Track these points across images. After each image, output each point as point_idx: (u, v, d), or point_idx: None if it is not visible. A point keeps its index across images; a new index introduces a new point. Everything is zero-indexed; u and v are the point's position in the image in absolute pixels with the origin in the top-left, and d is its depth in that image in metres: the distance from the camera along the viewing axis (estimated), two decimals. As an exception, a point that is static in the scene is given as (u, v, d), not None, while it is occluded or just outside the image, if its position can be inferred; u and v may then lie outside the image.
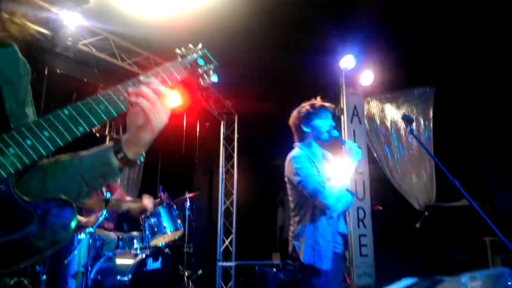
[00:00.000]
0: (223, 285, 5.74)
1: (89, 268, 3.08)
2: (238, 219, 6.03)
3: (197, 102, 5.80)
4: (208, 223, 6.39)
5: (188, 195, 4.16)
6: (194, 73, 0.99)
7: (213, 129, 6.34)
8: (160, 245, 3.61)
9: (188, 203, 4.18)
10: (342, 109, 4.84)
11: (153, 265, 3.22)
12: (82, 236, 3.28)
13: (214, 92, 5.90)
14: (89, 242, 3.22)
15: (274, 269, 4.64)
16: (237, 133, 6.26)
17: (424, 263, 4.82)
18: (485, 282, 1.05)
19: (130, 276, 2.96)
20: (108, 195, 3.38)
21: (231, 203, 6.10)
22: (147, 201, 3.68)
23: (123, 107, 0.82)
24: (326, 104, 2.29)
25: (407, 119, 2.21)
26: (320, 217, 2.13)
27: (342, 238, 2.22)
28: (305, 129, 2.26)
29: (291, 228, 2.23)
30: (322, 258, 2.08)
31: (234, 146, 6.25)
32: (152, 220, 3.50)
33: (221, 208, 6.06)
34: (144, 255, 3.17)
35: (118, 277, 2.98)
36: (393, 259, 5.12)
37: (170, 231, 3.52)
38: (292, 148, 2.34)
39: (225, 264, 5.79)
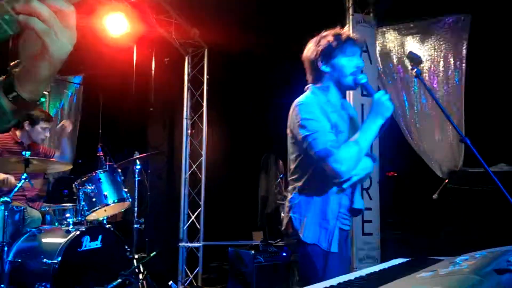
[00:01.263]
0: (187, 270, 5.98)
1: (5, 248, 3.18)
2: (208, 188, 6.15)
3: (152, 30, 5.72)
4: (168, 193, 6.52)
5: (138, 155, 4.22)
6: None
7: (174, 68, 6.30)
8: (101, 220, 3.73)
9: (138, 167, 4.25)
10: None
11: (91, 244, 3.34)
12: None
13: (175, 17, 5.81)
14: (4, 215, 3.29)
15: (253, 251, 4.84)
16: (208, 73, 6.24)
17: (444, 245, 5.08)
18: (481, 261, 1.17)
19: (59, 258, 3.07)
20: (28, 154, 3.41)
21: (199, 167, 6.20)
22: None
23: (8, 30, 0.79)
24: (355, 36, 2.29)
25: (413, 58, 2.24)
26: (331, 186, 2.18)
27: (352, 214, 2.30)
28: (324, 68, 2.26)
29: (289, 196, 2.29)
30: (330, 238, 2.15)
31: (203, 91, 6.25)
32: (89, 187, 3.58)
33: (185, 174, 6.17)
34: (78, 232, 3.28)
35: (45, 259, 3.09)
36: (405, 240, 5.38)
37: (113, 201, 3.62)
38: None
39: (190, 245, 5.99)
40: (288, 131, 2.30)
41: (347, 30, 2.31)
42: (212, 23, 5.76)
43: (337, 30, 2.30)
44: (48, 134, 4.07)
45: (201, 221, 6.07)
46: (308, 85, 2.35)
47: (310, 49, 2.31)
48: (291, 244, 2.31)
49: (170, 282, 4.31)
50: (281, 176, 5.99)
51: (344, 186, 2.18)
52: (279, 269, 4.71)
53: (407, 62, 5.47)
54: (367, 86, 2.23)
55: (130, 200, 3.87)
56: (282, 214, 6.38)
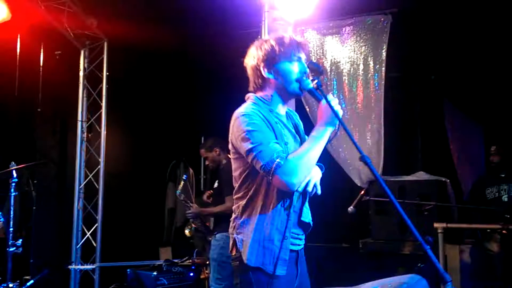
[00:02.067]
0: (81, 296, 5.64)
1: None
2: (107, 200, 5.87)
3: (40, 17, 5.33)
4: (59, 207, 6.15)
5: (14, 166, 3.87)
6: None
7: (67, 62, 6.00)
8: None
9: (14, 179, 3.89)
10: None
11: None
12: None
13: (69, 4, 5.45)
14: None
15: (155, 273, 4.65)
16: (107, 69, 5.95)
17: (363, 256, 5.16)
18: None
19: None
20: None
21: (96, 177, 5.89)
22: None
23: None
24: (300, 39, 2.27)
25: (313, 69, 2.22)
26: (277, 202, 2.16)
27: (303, 229, 2.28)
28: (267, 74, 2.26)
29: (233, 215, 2.28)
30: (275, 260, 2.14)
31: (102, 89, 5.95)
32: None
33: (79, 184, 5.82)
34: None
35: None
36: (320, 253, 5.41)
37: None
38: (243, 100, 2.30)
39: (83, 267, 5.67)
40: (230, 146, 2.27)
41: (290, 34, 2.28)
42: (113, 12, 5.48)
43: (279, 34, 2.30)
44: None
45: (97, 238, 5.74)
46: (249, 94, 2.33)
47: (252, 55, 2.31)
48: (235, 269, 2.22)
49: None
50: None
51: (306, 195, 2.22)
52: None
53: (345, 63, 5.47)
54: (314, 91, 2.19)
55: (2, 220, 3.50)
56: (186, 231, 6.25)
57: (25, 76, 5.61)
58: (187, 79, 6.22)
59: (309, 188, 2.18)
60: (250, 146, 2.10)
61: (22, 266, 5.33)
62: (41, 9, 5.29)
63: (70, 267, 5.59)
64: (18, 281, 4.04)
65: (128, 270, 4.91)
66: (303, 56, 2.26)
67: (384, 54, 5.29)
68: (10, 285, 3.81)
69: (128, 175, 6.29)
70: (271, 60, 2.24)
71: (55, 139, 6.27)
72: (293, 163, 2.06)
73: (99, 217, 5.79)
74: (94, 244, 5.75)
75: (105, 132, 5.92)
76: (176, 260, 4.94)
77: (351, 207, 3.97)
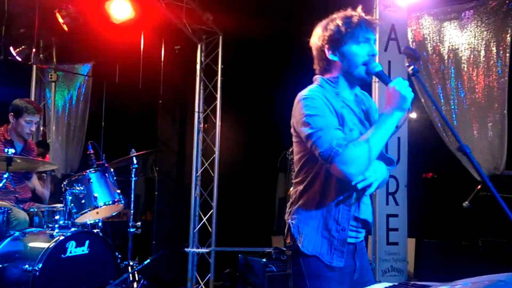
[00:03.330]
0: (198, 277, 5.97)
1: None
2: (222, 188, 6.10)
3: (161, 15, 5.69)
4: (178, 193, 6.51)
5: (134, 153, 4.21)
6: None
7: (185, 56, 6.26)
8: (93, 223, 3.74)
9: (134, 165, 4.24)
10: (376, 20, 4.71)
11: (76, 250, 3.34)
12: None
13: (187, 1, 5.77)
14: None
15: (264, 259, 4.78)
16: (222, 62, 6.17)
17: (483, 256, 4.89)
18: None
19: (40, 265, 3.09)
20: (10, 151, 3.44)
21: (212, 165, 6.15)
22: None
23: None
24: (369, 18, 2.16)
25: (409, 54, 2.07)
26: (336, 191, 2.09)
27: (361, 225, 2.20)
28: (332, 56, 2.16)
29: (290, 200, 2.23)
30: (334, 250, 2.09)
31: (217, 81, 6.20)
32: (78, 188, 3.58)
33: (196, 172, 6.15)
34: (62, 237, 3.28)
35: (26, 265, 3.11)
36: (437, 250, 5.21)
37: (104, 204, 3.62)
38: (311, 82, 2.25)
39: (200, 250, 5.97)
40: (292, 129, 2.20)
41: (359, 12, 2.17)
42: (228, 7, 5.70)
43: (347, 12, 2.17)
44: (33, 128, 4.08)
45: (213, 224, 6.04)
46: (316, 76, 2.24)
47: (317, 35, 2.21)
48: (288, 255, 2.21)
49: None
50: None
51: (365, 192, 2.10)
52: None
53: (444, 51, 5.27)
54: (382, 75, 2.10)
55: (123, 202, 3.86)
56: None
57: (147, 70, 6.00)
58: (297, 69, 6.25)
59: (372, 190, 2.08)
60: (310, 131, 2.02)
61: (144, 247, 5.80)
62: (162, 7, 5.65)
63: (187, 249, 5.90)
64: (137, 260, 4.38)
65: (239, 255, 5.10)
66: (372, 37, 2.15)
67: (509, 39, 4.95)
68: (131, 263, 4.15)
69: (241, 164, 6.48)
70: (336, 41, 2.13)
71: (174, 129, 6.62)
72: (352, 151, 1.95)
73: (214, 203, 6.05)
74: (210, 229, 6.03)
75: (220, 123, 6.15)
76: (284, 248, 5.03)
77: (466, 202, 3.82)
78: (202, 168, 6.18)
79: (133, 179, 4.24)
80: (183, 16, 5.86)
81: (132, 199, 4.18)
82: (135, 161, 4.23)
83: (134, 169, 4.25)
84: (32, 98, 6.54)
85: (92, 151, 3.79)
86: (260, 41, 5.95)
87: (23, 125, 3.98)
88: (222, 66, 6.16)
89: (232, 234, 6.13)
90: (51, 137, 6.68)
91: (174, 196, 6.48)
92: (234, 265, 5.96)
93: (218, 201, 6.06)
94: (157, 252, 5.15)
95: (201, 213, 6.10)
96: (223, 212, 6.11)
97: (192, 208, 6.06)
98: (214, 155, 6.13)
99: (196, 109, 6.20)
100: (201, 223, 6.07)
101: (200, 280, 5.95)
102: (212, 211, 6.05)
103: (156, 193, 5.91)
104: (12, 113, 4.01)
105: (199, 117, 6.21)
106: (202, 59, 6.26)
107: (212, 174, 6.11)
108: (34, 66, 6.58)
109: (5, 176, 3.39)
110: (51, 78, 6.67)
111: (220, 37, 6.21)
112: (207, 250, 5.94)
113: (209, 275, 5.94)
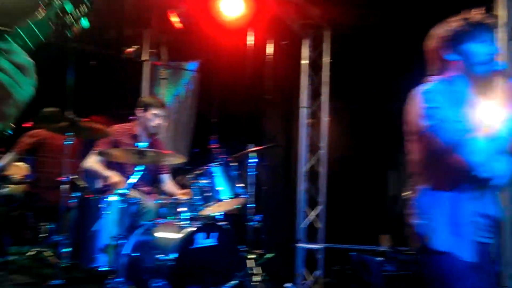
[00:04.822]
0: (305, 273, 5.97)
1: (121, 242, 3.39)
2: (329, 184, 6.09)
3: (268, 10, 5.74)
4: (284, 189, 6.56)
5: (252, 148, 4.28)
6: (64, 26, 1.24)
7: (291, 52, 6.29)
8: (217, 216, 3.83)
9: (253, 160, 4.31)
10: (496, 17, 4.45)
11: (205, 241, 3.44)
12: (112, 198, 3.60)
13: (295, -5, 5.78)
14: (121, 207, 3.53)
15: (380, 258, 4.68)
16: (329, 57, 6.15)
17: None
18: None
19: (175, 255, 3.20)
20: (144, 145, 3.59)
21: (318, 162, 6.15)
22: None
23: None
24: (489, 19, 2.20)
25: None
26: (464, 186, 2.09)
27: (489, 222, 2.15)
28: (451, 56, 2.20)
29: (411, 198, 2.24)
30: (466, 245, 2.06)
31: (323, 77, 6.17)
32: (203, 181, 3.69)
33: (302, 168, 6.15)
34: (193, 228, 3.39)
35: (160, 255, 3.24)
36: None
37: (228, 197, 3.69)
38: (424, 76, 2.30)
39: (309, 246, 5.97)
40: (408, 124, 2.24)
41: (478, 14, 2.21)
42: (335, 0, 5.64)
43: (465, 14, 2.23)
44: (160, 121, 4.26)
45: (321, 220, 6.03)
46: (429, 77, 2.28)
47: (436, 37, 2.27)
48: (414, 253, 2.21)
49: (289, 285, 4.32)
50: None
51: (491, 186, 2.09)
52: (413, 283, 4.48)
53: None
54: (503, 72, 2.13)
55: (247, 196, 3.93)
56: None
57: (255, 66, 6.07)
58: (408, 63, 6.06)
59: (499, 183, 2.09)
60: (432, 123, 2.06)
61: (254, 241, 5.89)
62: (270, 1, 5.68)
63: (298, 245, 5.92)
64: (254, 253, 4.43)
65: (352, 253, 5.03)
66: (491, 36, 2.18)
67: None
68: (251, 256, 4.20)
69: (349, 160, 6.41)
70: (455, 41, 2.18)
71: (281, 125, 6.67)
72: (476, 141, 1.99)
73: (322, 199, 6.04)
74: (316, 225, 6.02)
75: (326, 118, 6.12)
76: (400, 248, 4.90)
77: None
78: (309, 165, 6.18)
79: (252, 173, 4.32)
80: (290, 10, 5.89)
81: (253, 193, 4.25)
82: (251, 156, 4.31)
83: (252, 164, 4.32)
84: (145, 95, 6.84)
85: (215, 146, 3.88)
86: (369, 35, 5.83)
87: (150, 118, 4.19)
88: (330, 61, 6.14)
89: (341, 231, 6.07)
90: (161, 133, 6.95)
91: (281, 191, 6.52)
92: (340, 262, 5.89)
93: (327, 197, 6.06)
94: (267, 247, 5.20)
95: (308, 209, 6.12)
96: (332, 208, 6.10)
97: (298, 203, 6.09)
98: (320, 151, 6.12)
99: (303, 105, 6.22)
100: (309, 219, 6.08)
101: (307, 276, 5.95)
102: (319, 207, 6.04)
103: (264, 188, 5.96)
104: (139, 108, 4.22)
105: (305, 113, 6.22)
106: (308, 54, 6.29)
107: (318, 170, 6.10)
108: (145, 64, 6.86)
109: (139, 168, 3.56)
110: (161, 75, 6.92)
111: (327, 31, 6.20)
112: (316, 247, 5.93)
113: (317, 272, 5.92)
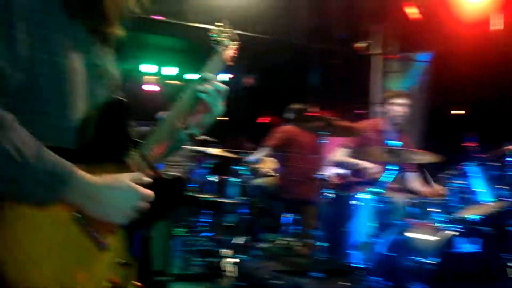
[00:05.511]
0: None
1: (377, 240, 3.40)
2: None
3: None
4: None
5: (509, 147, 3.90)
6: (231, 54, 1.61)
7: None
8: (474, 219, 3.59)
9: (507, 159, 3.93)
10: None
11: (466, 247, 3.25)
12: (364, 196, 3.64)
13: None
14: (374, 205, 3.55)
15: None
16: None
17: None
18: None
19: (437, 259, 3.09)
20: (395, 143, 3.54)
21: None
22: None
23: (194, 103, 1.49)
24: None
25: None
26: None
27: None
28: None
29: None
30: None
31: None
32: (458, 182, 3.49)
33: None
34: (454, 232, 3.23)
35: (419, 257, 3.16)
36: None
37: (487, 200, 3.43)
38: None
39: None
40: None
41: None
42: None
43: None
44: (405, 111, 4.17)
45: None
46: None
47: None
48: None
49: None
50: None
51: None
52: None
53: None
54: None
55: (509, 199, 3.59)
56: None
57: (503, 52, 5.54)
58: None
59: None
60: None
61: None
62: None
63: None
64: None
65: None
66: None
67: None
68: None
69: None
70: None
71: None
72: None
73: None
74: None
75: None
76: None
77: None
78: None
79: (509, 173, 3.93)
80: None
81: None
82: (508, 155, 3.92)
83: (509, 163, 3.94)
84: (373, 88, 6.81)
85: (471, 144, 3.63)
86: None
87: (393, 108, 4.14)
88: None
89: None
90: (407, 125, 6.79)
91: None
92: None
93: None
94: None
95: None
96: None
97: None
98: None
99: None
100: None
101: None
102: None
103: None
104: (383, 102, 4.20)
105: None
106: None
107: None
108: (374, 58, 6.81)
109: (391, 168, 3.53)
110: (391, 68, 6.81)
111: None
112: None
113: None
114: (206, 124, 1.54)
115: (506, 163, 4.06)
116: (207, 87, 1.48)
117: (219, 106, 1.51)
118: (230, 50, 1.61)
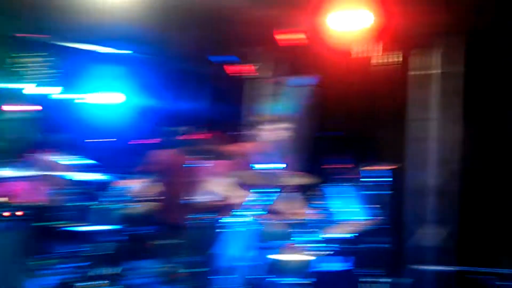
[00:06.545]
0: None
1: (246, 263, 3.45)
2: (461, 201, 5.75)
3: (393, 21, 5.51)
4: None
5: (373, 166, 4.14)
6: None
7: (414, 63, 6.11)
8: (340, 238, 3.74)
9: (377, 179, 4.17)
10: None
11: (334, 266, 3.38)
12: (232, 219, 3.70)
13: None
14: (242, 228, 3.61)
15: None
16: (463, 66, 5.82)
17: None
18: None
19: (310, 279, 3.17)
20: (270, 167, 3.61)
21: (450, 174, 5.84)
22: None
23: None
24: None
25: None
26: None
27: None
28: None
29: None
30: None
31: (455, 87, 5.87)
32: (322, 202, 3.65)
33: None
34: (322, 252, 3.35)
35: (291, 278, 3.23)
36: None
37: (350, 219, 3.61)
38: None
39: (439, 268, 5.63)
40: None
41: None
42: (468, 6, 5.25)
43: None
44: (281, 134, 4.32)
45: (451, 240, 5.69)
46: None
47: None
48: None
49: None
50: None
51: None
52: None
53: None
54: None
55: (371, 217, 3.79)
56: None
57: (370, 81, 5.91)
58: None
59: None
60: None
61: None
62: (395, 11, 5.43)
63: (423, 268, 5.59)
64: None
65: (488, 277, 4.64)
66: None
67: None
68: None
69: (482, 174, 5.88)
70: None
71: (394, 140, 6.32)
72: None
73: (450, 217, 5.76)
74: (446, 246, 5.69)
75: (461, 129, 5.81)
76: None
77: None
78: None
79: (376, 192, 4.18)
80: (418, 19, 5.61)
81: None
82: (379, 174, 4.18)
83: (379, 182, 4.19)
84: (248, 112, 6.91)
85: (335, 165, 3.80)
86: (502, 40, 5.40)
87: (265, 133, 4.24)
88: (464, 70, 5.81)
89: (472, 252, 5.59)
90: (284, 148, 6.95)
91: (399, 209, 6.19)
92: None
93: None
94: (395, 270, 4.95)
95: (436, 228, 5.81)
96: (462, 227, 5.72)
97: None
98: (452, 165, 5.84)
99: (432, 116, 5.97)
100: (436, 238, 5.78)
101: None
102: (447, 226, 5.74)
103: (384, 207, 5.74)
104: (257, 127, 4.29)
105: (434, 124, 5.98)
106: (438, 64, 6.03)
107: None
108: (248, 82, 6.96)
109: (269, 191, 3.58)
110: (272, 92, 6.92)
111: (458, 39, 5.83)
112: (451, 269, 5.53)
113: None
114: None
115: (364, 183, 4.31)
116: None
117: None
118: None
